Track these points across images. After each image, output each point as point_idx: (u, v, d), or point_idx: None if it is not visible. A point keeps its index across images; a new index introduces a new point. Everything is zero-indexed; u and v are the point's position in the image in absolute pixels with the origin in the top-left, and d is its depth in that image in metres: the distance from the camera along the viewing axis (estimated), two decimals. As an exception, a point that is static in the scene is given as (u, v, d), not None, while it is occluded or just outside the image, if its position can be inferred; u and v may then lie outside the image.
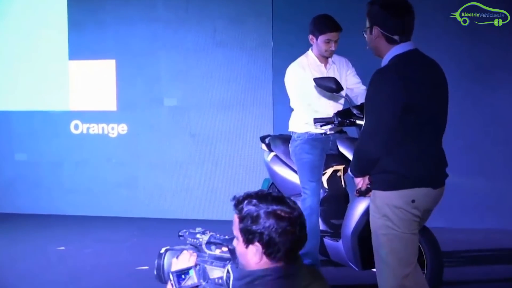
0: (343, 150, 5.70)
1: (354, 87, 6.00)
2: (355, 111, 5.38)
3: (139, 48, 8.66)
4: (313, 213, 5.72)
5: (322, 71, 5.89)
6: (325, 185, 6.08)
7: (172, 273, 2.78)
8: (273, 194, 2.65)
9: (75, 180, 8.92)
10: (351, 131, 5.85)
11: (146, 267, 6.42)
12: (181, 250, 2.94)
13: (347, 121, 5.43)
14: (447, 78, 4.08)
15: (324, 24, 5.79)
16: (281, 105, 8.09)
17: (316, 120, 5.58)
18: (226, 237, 2.91)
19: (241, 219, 2.63)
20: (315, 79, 5.58)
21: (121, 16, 8.68)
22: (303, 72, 5.90)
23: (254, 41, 8.30)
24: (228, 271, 2.75)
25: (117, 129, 8.77)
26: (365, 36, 4.05)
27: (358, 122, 5.35)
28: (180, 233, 3.00)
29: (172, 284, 2.80)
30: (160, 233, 7.86)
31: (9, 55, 9.03)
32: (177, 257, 2.91)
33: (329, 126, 5.71)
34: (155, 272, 3.01)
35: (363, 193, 4.13)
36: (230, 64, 8.42)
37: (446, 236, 6.57)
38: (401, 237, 3.89)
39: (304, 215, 2.69)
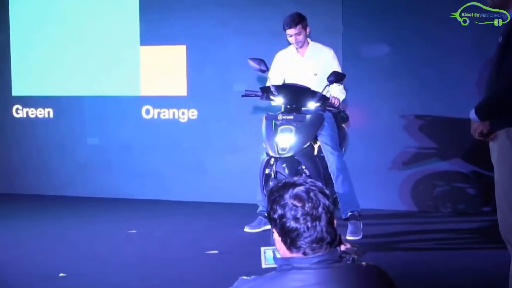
0: None
1: (317, 71, 7.01)
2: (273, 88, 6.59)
3: (209, 34, 8.70)
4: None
5: (298, 60, 7.13)
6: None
7: (262, 249, 2.74)
8: (296, 182, 2.58)
9: (145, 164, 9.03)
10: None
11: (215, 251, 6.46)
12: None
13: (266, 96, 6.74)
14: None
15: (284, 23, 6.99)
16: (352, 90, 8.05)
17: (247, 92, 6.90)
18: None
19: (267, 204, 2.62)
20: (249, 59, 6.77)
21: (192, 2, 8.71)
22: (282, 58, 7.22)
23: (323, 25, 8.23)
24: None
25: (188, 114, 8.83)
26: None
27: (272, 98, 6.72)
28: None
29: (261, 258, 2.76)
30: (229, 218, 7.90)
31: (82, 41, 9.16)
32: None
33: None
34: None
35: (486, 136, 4.28)
36: (299, 50, 8.38)
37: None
38: None
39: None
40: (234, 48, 8.59)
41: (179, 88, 8.87)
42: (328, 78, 6.57)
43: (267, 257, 2.71)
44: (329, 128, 6.85)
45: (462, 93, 7.83)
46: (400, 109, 8.17)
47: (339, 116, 7.29)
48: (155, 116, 8.98)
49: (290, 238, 2.51)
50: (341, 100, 6.98)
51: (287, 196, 2.53)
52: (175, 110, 8.88)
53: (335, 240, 2.56)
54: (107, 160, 9.22)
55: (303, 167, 6.58)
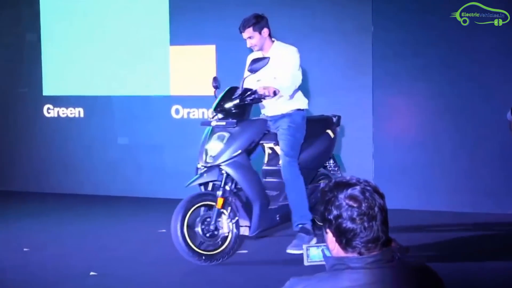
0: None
1: (276, 75, 6.46)
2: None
3: (238, 34, 8.67)
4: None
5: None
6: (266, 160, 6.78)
7: (304, 246, 2.74)
8: (350, 181, 2.56)
9: (175, 164, 9.05)
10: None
11: (245, 251, 6.47)
12: None
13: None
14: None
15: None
16: (382, 90, 8.03)
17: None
18: None
19: (320, 204, 2.60)
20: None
21: (221, 2, 8.73)
22: (249, 60, 6.60)
23: (353, 25, 8.21)
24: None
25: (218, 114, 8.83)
26: None
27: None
28: None
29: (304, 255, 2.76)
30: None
31: (112, 41, 9.21)
32: None
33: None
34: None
35: None
36: (328, 49, 8.37)
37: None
38: None
39: None
40: (263, 48, 8.59)
41: (209, 88, 8.85)
42: (248, 68, 6.38)
43: (311, 255, 2.71)
44: (288, 132, 6.45)
45: (492, 94, 7.80)
46: (429, 109, 8.14)
47: (326, 121, 7.00)
48: (185, 116, 9.02)
49: (346, 239, 2.50)
50: (284, 88, 6.34)
51: (341, 196, 2.52)
52: (205, 110, 8.89)
53: (389, 239, 2.57)
54: (136, 159, 9.27)
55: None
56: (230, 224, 6.07)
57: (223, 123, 6.24)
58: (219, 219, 6.02)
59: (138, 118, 9.22)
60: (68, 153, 9.56)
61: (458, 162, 8.03)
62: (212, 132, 6.31)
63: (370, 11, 8.17)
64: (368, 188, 2.54)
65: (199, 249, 5.97)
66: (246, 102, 6.29)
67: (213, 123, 6.30)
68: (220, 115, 6.31)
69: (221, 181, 6.09)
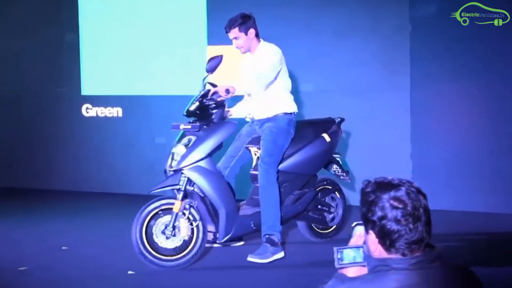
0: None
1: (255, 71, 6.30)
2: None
3: (276, 33, 8.67)
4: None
5: (248, 63, 6.53)
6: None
7: (335, 249, 2.73)
8: (393, 182, 2.55)
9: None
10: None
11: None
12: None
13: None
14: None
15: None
16: (420, 90, 7.99)
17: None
18: None
19: (362, 205, 2.59)
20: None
21: (258, 1, 8.71)
22: (242, 61, 6.67)
23: (390, 25, 8.18)
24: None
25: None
26: None
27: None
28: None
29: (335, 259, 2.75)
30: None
31: (150, 41, 9.27)
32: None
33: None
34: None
35: None
36: (365, 49, 8.34)
37: None
38: None
39: None
40: (300, 48, 8.58)
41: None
42: (206, 67, 6.33)
43: (344, 257, 2.69)
44: (268, 138, 6.28)
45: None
46: (467, 109, 8.07)
47: (321, 124, 6.73)
48: (223, 115, 9.02)
49: (390, 240, 2.50)
50: (251, 86, 6.29)
51: (385, 197, 2.51)
52: (242, 110, 8.90)
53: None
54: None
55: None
56: (190, 228, 5.94)
57: (189, 126, 6.16)
58: (177, 223, 5.92)
59: (176, 118, 9.18)
60: (106, 152, 9.64)
61: (497, 162, 7.95)
62: (183, 135, 6.23)
63: (408, 10, 8.12)
64: (412, 189, 2.54)
65: (157, 252, 5.93)
66: (205, 104, 6.16)
67: (181, 126, 6.22)
68: (191, 118, 6.25)
69: (182, 185, 5.99)
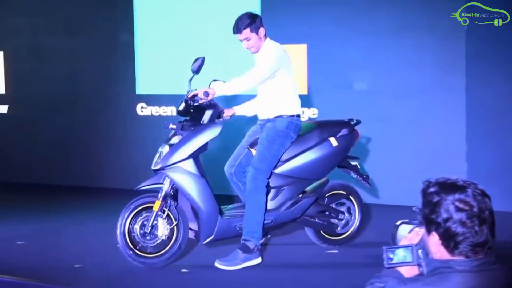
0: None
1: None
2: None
3: (329, 33, 8.68)
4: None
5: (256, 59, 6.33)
6: None
7: (384, 248, 2.72)
8: (458, 183, 2.52)
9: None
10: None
11: (336, 251, 6.45)
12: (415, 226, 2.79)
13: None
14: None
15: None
16: (476, 90, 7.89)
17: None
18: None
19: (424, 206, 2.56)
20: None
21: (313, 0, 8.71)
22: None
23: (445, 23, 8.09)
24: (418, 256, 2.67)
25: (308, 113, 8.84)
26: None
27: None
28: (413, 208, 2.88)
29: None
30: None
31: (203, 40, 9.29)
32: (409, 232, 2.78)
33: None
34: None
35: None
36: (419, 48, 8.25)
37: None
38: None
39: None
40: (354, 47, 8.55)
41: (300, 86, 8.84)
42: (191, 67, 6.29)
43: (395, 256, 2.68)
44: (263, 143, 6.19)
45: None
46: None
47: (329, 128, 6.49)
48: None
49: (455, 242, 2.48)
50: (232, 90, 6.24)
51: (450, 198, 2.49)
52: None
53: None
54: (226, 159, 9.31)
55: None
56: (168, 228, 5.96)
57: (174, 126, 6.14)
58: (155, 222, 5.94)
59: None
60: (160, 151, 9.70)
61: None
62: (174, 134, 6.20)
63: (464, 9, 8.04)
64: (478, 190, 2.51)
65: (138, 250, 5.97)
66: (191, 104, 6.10)
67: (170, 126, 6.19)
68: (182, 118, 6.25)
69: (164, 185, 6.02)
